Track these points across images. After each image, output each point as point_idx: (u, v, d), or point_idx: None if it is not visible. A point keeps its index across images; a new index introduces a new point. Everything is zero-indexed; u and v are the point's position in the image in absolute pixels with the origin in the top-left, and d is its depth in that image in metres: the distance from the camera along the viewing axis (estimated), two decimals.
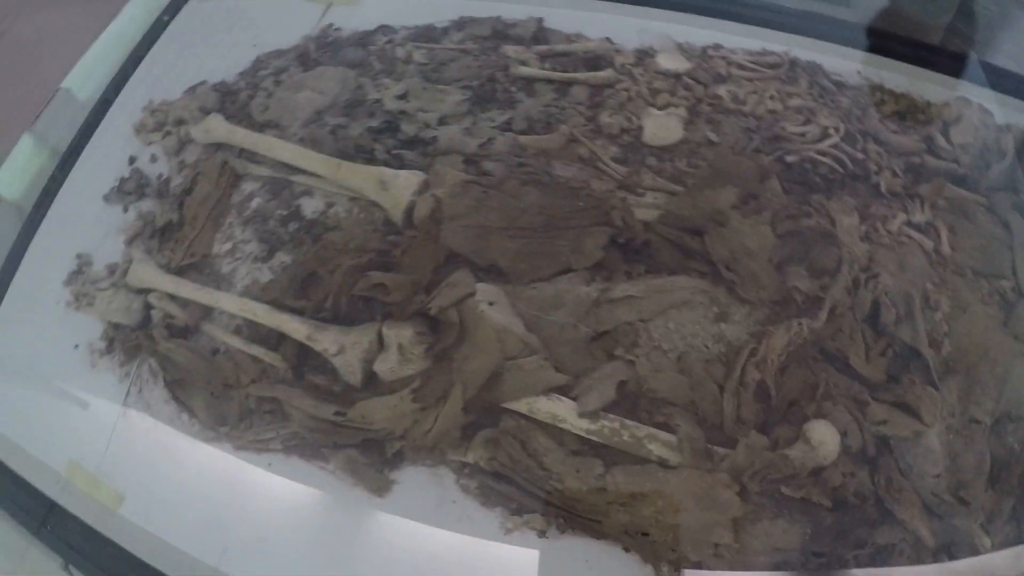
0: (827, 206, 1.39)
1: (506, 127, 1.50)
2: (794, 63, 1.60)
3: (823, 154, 1.45)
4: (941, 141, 1.50)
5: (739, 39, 1.65)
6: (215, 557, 1.29)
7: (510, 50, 1.62)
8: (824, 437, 1.19)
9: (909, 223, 1.41)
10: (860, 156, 1.46)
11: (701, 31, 1.66)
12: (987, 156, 1.52)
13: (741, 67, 1.58)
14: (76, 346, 1.52)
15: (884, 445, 1.22)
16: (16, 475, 1.44)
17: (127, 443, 1.42)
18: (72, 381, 1.50)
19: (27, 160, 1.86)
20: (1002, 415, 1.26)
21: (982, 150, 1.53)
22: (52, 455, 1.44)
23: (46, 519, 1.41)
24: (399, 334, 1.28)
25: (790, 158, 1.45)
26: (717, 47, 1.63)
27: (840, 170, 1.45)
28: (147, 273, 1.50)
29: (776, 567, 1.16)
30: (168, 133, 1.70)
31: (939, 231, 1.40)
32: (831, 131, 1.47)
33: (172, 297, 1.48)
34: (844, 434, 1.21)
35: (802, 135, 1.47)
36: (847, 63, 1.62)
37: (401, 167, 1.47)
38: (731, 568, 1.15)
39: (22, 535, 1.44)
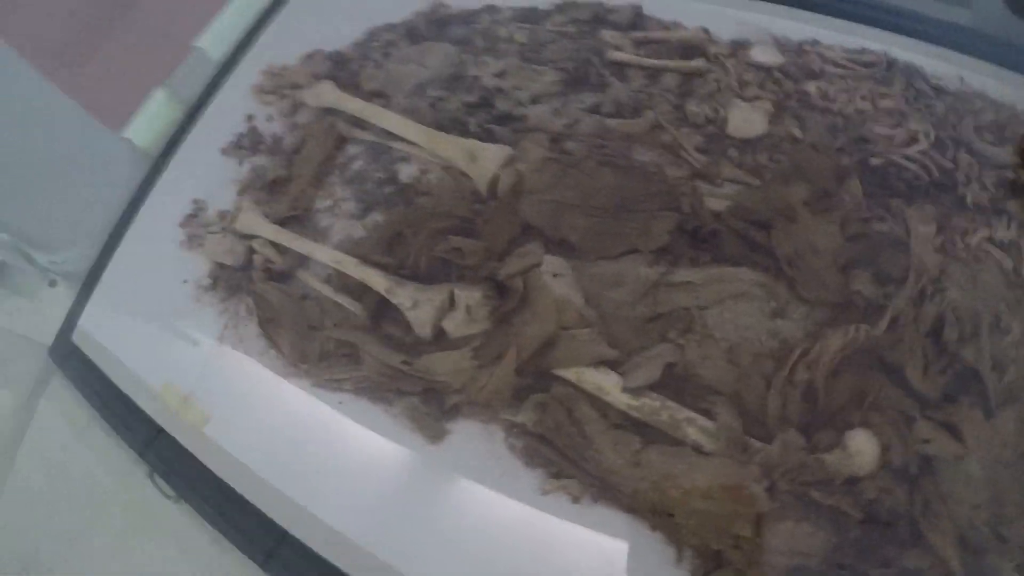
0: (905, 213, 1.38)
1: (594, 109, 1.57)
2: (892, 64, 1.57)
3: (910, 159, 1.43)
4: None
5: (839, 36, 1.63)
6: (284, 482, 1.44)
7: (607, 35, 1.67)
8: (863, 446, 1.20)
9: (991, 239, 1.36)
10: (949, 165, 1.43)
11: (802, 26, 1.65)
12: None
13: (836, 64, 1.57)
14: (184, 281, 1.72)
15: (927, 466, 1.20)
16: (118, 390, 1.66)
17: (218, 371, 1.61)
18: (177, 312, 1.70)
19: (159, 112, 2.08)
20: None
21: None
22: (151, 374, 1.65)
23: (137, 429, 1.62)
24: (469, 295, 1.38)
25: (874, 160, 1.44)
26: (814, 43, 1.62)
27: (926, 177, 1.42)
28: (254, 221, 1.67)
29: (794, 571, 1.17)
30: (284, 96, 1.87)
31: (1022, 251, 1.36)
32: (920, 136, 1.45)
33: (273, 244, 1.64)
34: (887, 448, 1.21)
35: (890, 138, 1.46)
36: (950, 67, 1.56)
37: (491, 141, 1.56)
38: (748, 563, 1.17)
39: (113, 439, 1.66)
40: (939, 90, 1.54)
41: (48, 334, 1.88)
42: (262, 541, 1.41)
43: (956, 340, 1.27)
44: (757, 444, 1.23)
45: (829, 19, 1.65)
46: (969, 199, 1.41)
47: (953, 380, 1.26)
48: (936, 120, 1.49)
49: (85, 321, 1.79)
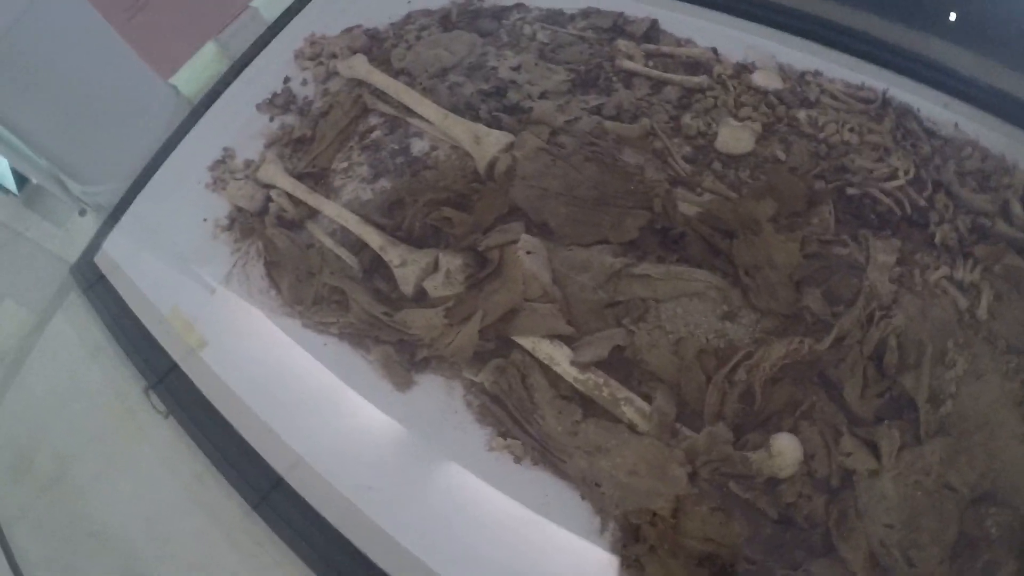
0: (870, 241, 1.46)
1: (596, 111, 1.69)
2: (887, 102, 1.65)
3: (886, 193, 1.52)
4: (1018, 208, 1.50)
5: (843, 70, 1.71)
6: (267, 411, 1.61)
7: (621, 44, 1.80)
8: (784, 449, 1.28)
9: (950, 278, 1.44)
10: (923, 204, 1.51)
11: (809, 56, 1.74)
12: None
13: (833, 96, 1.66)
14: (204, 219, 1.91)
15: (848, 481, 1.28)
16: (129, 309, 1.85)
17: (222, 303, 1.78)
18: (194, 246, 1.89)
19: (207, 64, 2.27)
20: (986, 494, 1.26)
21: None
22: (161, 298, 1.84)
23: (140, 346, 1.80)
24: (451, 261, 1.52)
25: (852, 190, 1.53)
26: (817, 73, 1.71)
27: (898, 212, 1.50)
28: (274, 172, 1.84)
29: (705, 557, 1.26)
30: (320, 63, 2.04)
31: (981, 294, 1.42)
32: (900, 173, 1.53)
33: (289, 195, 1.81)
34: (812, 457, 1.29)
35: (870, 171, 1.54)
36: (947, 113, 1.64)
37: (498, 128, 1.70)
38: (662, 541, 1.27)
39: (117, 354, 1.86)
40: (930, 132, 1.62)
41: (71, 253, 2.09)
42: (245, 470, 1.58)
43: (896, 366, 1.35)
44: (687, 432, 1.34)
45: (836, 53, 1.74)
46: (938, 238, 1.48)
47: (888, 404, 1.34)
48: (920, 160, 1.56)
49: (109, 245, 1.99)
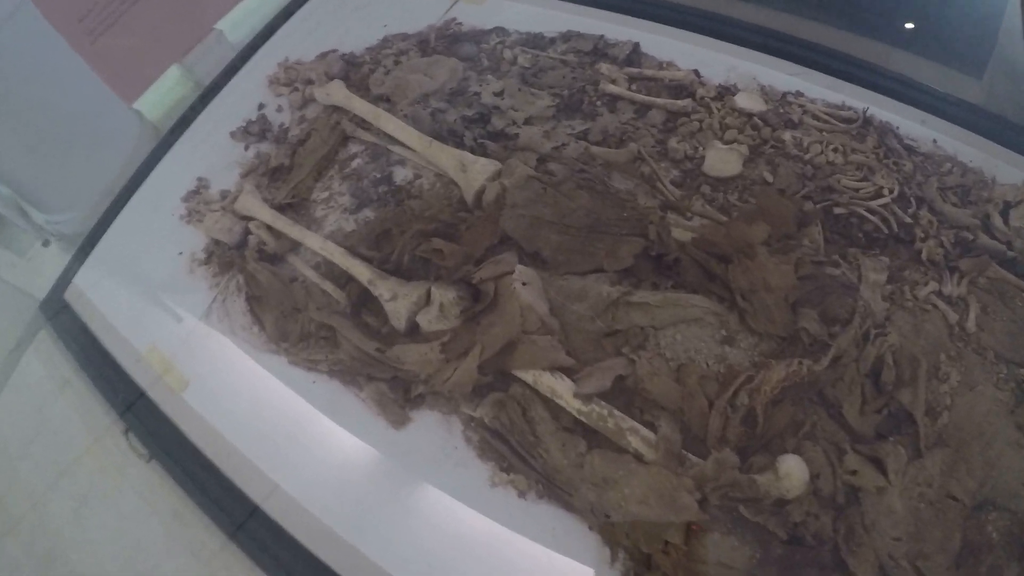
0: (860, 260, 1.53)
1: (582, 136, 1.73)
2: (868, 120, 1.72)
3: (872, 212, 1.58)
4: (998, 221, 1.58)
5: (824, 90, 1.79)
6: (254, 451, 1.60)
7: (604, 67, 1.84)
8: (792, 471, 1.31)
9: (939, 293, 1.51)
10: (908, 221, 1.58)
11: (789, 77, 1.81)
12: None
13: (815, 117, 1.72)
14: (180, 253, 1.89)
15: (854, 496, 1.33)
16: (104, 348, 1.82)
17: (203, 341, 1.77)
18: (170, 281, 1.87)
19: (171, 88, 2.26)
20: (985, 501, 1.32)
21: None
22: (137, 336, 1.82)
23: (117, 387, 1.77)
24: (443, 294, 1.53)
25: (838, 210, 1.59)
26: (798, 94, 1.78)
27: (885, 230, 1.57)
28: (253, 204, 1.83)
29: None
30: (296, 89, 2.04)
31: (969, 307, 1.49)
32: (885, 191, 1.60)
33: (268, 228, 1.80)
34: (817, 476, 1.33)
35: (855, 190, 1.60)
36: (925, 130, 1.72)
37: (483, 155, 1.72)
38: (675, 569, 1.30)
39: (93, 394, 1.81)
40: (910, 150, 1.70)
41: (39, 287, 2.05)
42: (229, 508, 1.56)
43: (894, 383, 1.41)
44: (693, 458, 1.37)
45: (816, 74, 1.81)
46: (925, 254, 1.55)
47: (887, 420, 1.40)
48: (903, 177, 1.64)
49: (80, 279, 1.96)
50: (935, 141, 1.71)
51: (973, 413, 1.40)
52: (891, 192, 1.60)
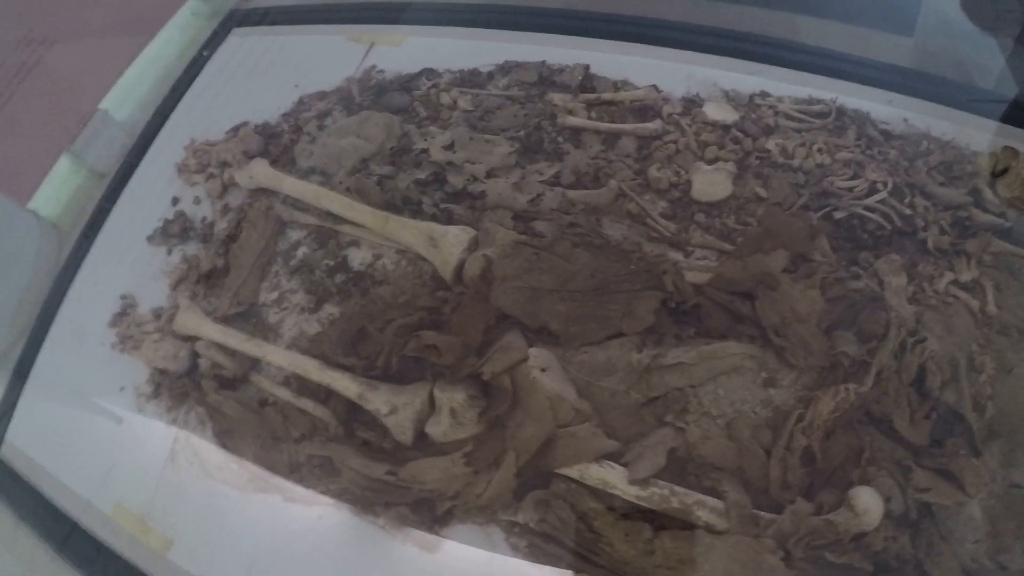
0: (875, 266, 1.46)
1: (555, 181, 1.58)
2: (841, 111, 1.66)
3: (871, 210, 1.52)
4: (988, 194, 1.56)
5: (786, 85, 1.71)
6: None
7: (557, 98, 1.69)
8: (869, 505, 1.26)
9: (956, 282, 1.47)
10: (907, 211, 1.53)
11: (749, 77, 1.72)
12: None
13: (788, 117, 1.64)
14: (122, 388, 1.63)
15: (926, 510, 1.29)
16: (62, 513, 1.56)
17: (176, 488, 1.53)
18: (119, 424, 1.61)
19: (64, 179, 1.99)
20: None
21: None
22: (98, 495, 1.56)
23: (93, 558, 1.52)
24: (451, 397, 1.37)
25: (838, 214, 1.52)
26: (764, 95, 1.69)
27: (888, 226, 1.51)
28: (193, 321, 1.59)
29: None
30: (212, 175, 1.79)
31: (985, 289, 1.46)
32: (879, 186, 1.54)
33: (219, 346, 1.57)
34: (888, 499, 1.28)
35: (850, 190, 1.54)
36: (893, 110, 1.67)
37: (449, 221, 1.56)
38: None
39: (64, 567, 1.54)
40: (888, 135, 1.64)
41: None
42: None
43: (938, 387, 1.36)
44: (767, 516, 1.28)
45: (775, 68, 1.73)
46: (930, 243, 1.51)
47: (938, 424, 1.35)
48: (891, 167, 1.58)
49: (13, 434, 1.67)
50: (906, 120, 1.67)
51: (1016, 396, 1.38)
52: (885, 186, 1.54)
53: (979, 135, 1.66)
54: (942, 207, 1.55)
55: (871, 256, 1.48)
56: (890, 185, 1.54)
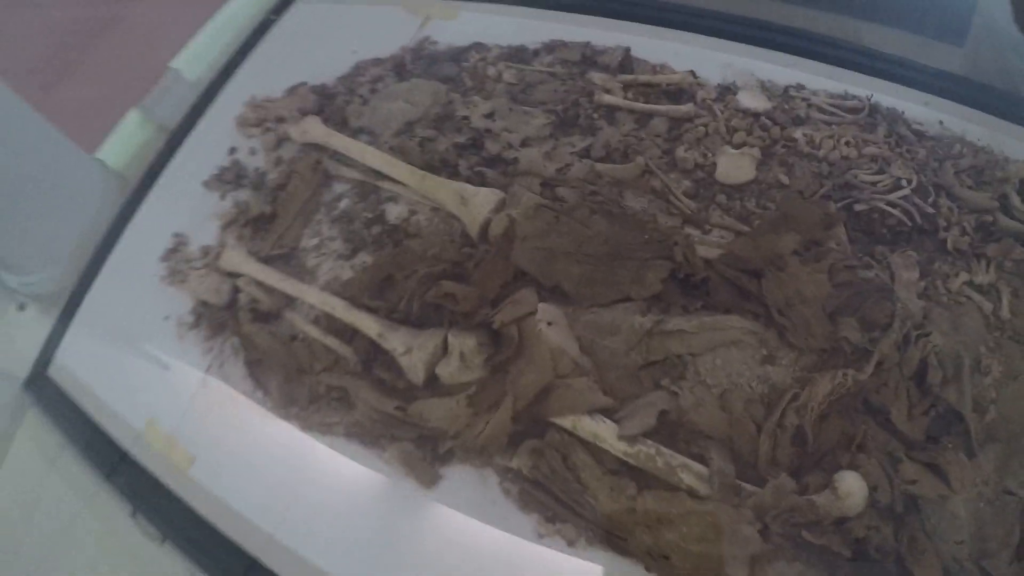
0: (889, 259, 1.49)
1: (584, 153, 1.65)
2: (875, 108, 1.68)
3: (893, 205, 1.54)
4: (1016, 201, 1.55)
5: (824, 80, 1.74)
6: (273, 526, 1.50)
7: (596, 77, 1.76)
8: (852, 489, 1.27)
9: (971, 283, 1.48)
10: (930, 211, 1.54)
11: (787, 70, 1.76)
12: None
13: (821, 110, 1.68)
14: (166, 318, 1.77)
15: (912, 504, 1.30)
16: (96, 425, 1.71)
17: (204, 411, 1.66)
18: (159, 349, 1.75)
19: (132, 132, 2.14)
20: None
21: None
22: (132, 412, 1.70)
23: (119, 468, 1.66)
24: (463, 342, 1.45)
25: (859, 207, 1.55)
26: (800, 87, 1.73)
27: (908, 223, 1.53)
28: (238, 259, 1.72)
29: None
30: (268, 129, 1.93)
31: (1001, 294, 1.47)
32: (903, 183, 1.56)
33: (259, 283, 1.69)
34: (874, 488, 1.29)
35: (873, 184, 1.56)
36: (930, 111, 1.69)
37: (482, 184, 1.64)
38: None
39: (94, 480, 1.70)
40: (920, 135, 1.66)
41: (18, 361, 1.91)
42: None
43: (939, 383, 1.37)
44: (749, 488, 1.32)
45: (814, 63, 1.76)
46: (950, 243, 1.52)
47: (936, 421, 1.36)
48: (918, 165, 1.60)
49: (62, 355, 1.83)
50: (941, 122, 1.68)
51: (1020, 403, 1.37)
52: (909, 183, 1.56)
53: (1016, 144, 1.66)
54: (967, 210, 1.56)
55: (887, 250, 1.51)
56: (915, 182, 1.56)
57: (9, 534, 1.74)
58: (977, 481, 1.31)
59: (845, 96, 1.71)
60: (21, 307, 2.04)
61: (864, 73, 1.74)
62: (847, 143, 1.61)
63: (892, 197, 1.55)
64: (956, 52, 1.91)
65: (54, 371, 1.82)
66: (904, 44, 1.89)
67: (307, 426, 1.56)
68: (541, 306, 1.43)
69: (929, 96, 1.72)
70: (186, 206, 1.89)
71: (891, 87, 1.73)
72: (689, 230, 1.53)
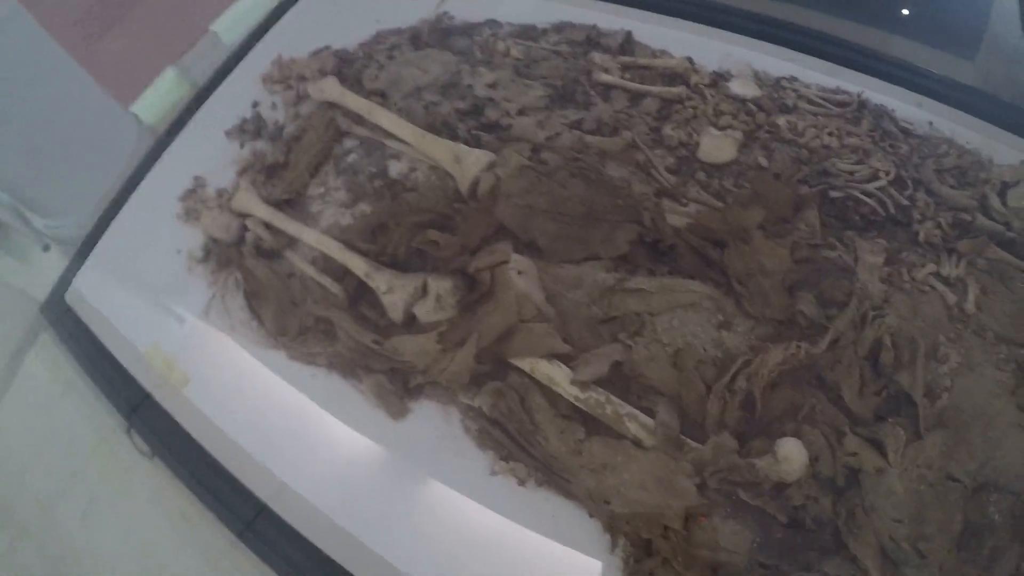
0: (857, 243, 1.53)
1: (576, 125, 1.74)
2: (863, 104, 1.74)
3: (868, 195, 1.59)
4: (995, 202, 1.59)
5: (818, 75, 1.80)
6: (257, 448, 1.62)
7: (597, 57, 1.85)
8: (790, 454, 1.33)
9: (937, 274, 1.51)
10: (906, 203, 1.59)
11: (783, 63, 1.82)
12: None
13: (809, 101, 1.73)
14: (179, 251, 1.91)
15: (854, 479, 1.34)
16: (105, 349, 1.84)
17: (203, 337, 1.79)
18: (169, 280, 1.89)
19: (168, 90, 2.28)
20: (987, 482, 1.33)
21: None
22: (138, 336, 1.83)
23: (119, 387, 1.79)
24: (440, 284, 1.55)
25: (834, 193, 1.60)
26: (792, 79, 1.79)
27: (881, 212, 1.58)
28: (249, 201, 1.85)
29: (719, 566, 1.30)
30: (290, 87, 2.06)
31: (968, 288, 1.50)
32: (881, 174, 1.61)
33: (265, 224, 1.82)
34: (816, 459, 1.34)
35: (851, 173, 1.61)
36: (921, 112, 1.73)
37: (477, 146, 1.74)
38: (675, 554, 1.31)
39: (95, 394, 1.84)
40: (906, 132, 1.71)
41: (38, 296, 2.07)
42: (235, 505, 1.57)
43: (892, 365, 1.42)
44: (692, 443, 1.38)
45: (811, 59, 1.82)
46: (922, 236, 1.56)
47: (887, 402, 1.40)
48: (899, 160, 1.64)
49: (79, 282, 1.98)
50: (931, 123, 1.72)
51: (973, 394, 1.41)
52: (887, 174, 1.61)
53: (1007, 150, 1.69)
54: (946, 207, 1.60)
55: (856, 235, 1.55)
56: (892, 175, 1.61)
57: (13, 452, 1.90)
58: (919, 463, 1.34)
59: (836, 91, 1.76)
60: (46, 248, 2.20)
61: (859, 71, 1.80)
62: (830, 133, 1.67)
63: (868, 187, 1.60)
64: (967, 65, 1.95)
65: (70, 297, 1.97)
66: (919, 55, 1.93)
67: (294, 356, 1.67)
68: (514, 256, 1.52)
69: (922, 98, 1.76)
70: (208, 152, 2.03)
71: (885, 87, 1.78)
72: (667, 201, 1.60)
